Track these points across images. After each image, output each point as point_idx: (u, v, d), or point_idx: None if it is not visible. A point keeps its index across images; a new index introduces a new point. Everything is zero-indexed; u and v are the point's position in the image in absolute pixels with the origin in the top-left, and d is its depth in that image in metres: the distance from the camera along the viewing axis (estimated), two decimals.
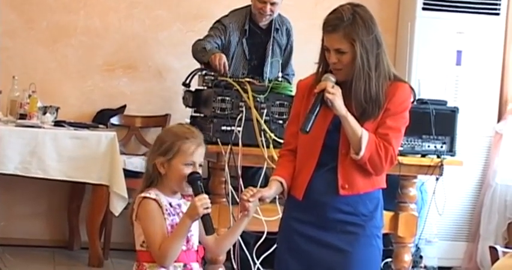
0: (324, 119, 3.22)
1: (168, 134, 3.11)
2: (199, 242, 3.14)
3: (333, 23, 3.18)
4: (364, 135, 3.18)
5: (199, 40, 5.75)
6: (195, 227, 3.08)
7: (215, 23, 5.86)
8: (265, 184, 5.38)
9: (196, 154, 3.05)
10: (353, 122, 3.18)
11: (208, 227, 3.00)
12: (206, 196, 3.00)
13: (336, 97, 3.17)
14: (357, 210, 3.25)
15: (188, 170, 3.03)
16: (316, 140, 3.25)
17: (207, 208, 2.98)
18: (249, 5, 5.83)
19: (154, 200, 3.01)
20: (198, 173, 3.05)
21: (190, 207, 3.01)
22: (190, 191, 3.06)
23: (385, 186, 3.35)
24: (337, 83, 3.22)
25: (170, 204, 3.05)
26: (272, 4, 5.68)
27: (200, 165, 3.09)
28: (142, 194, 3.03)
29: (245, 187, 4.70)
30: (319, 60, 3.31)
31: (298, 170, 3.31)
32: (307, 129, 3.17)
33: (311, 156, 3.27)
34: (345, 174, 3.24)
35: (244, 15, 5.82)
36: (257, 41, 5.81)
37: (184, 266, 3.05)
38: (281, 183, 3.29)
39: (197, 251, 3.10)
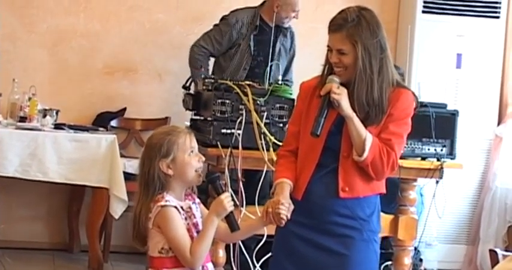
0: (326, 121, 3.22)
1: (158, 137, 3.09)
2: None
3: (336, 23, 3.20)
4: (368, 137, 3.18)
5: (194, 46, 5.82)
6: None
7: (221, 19, 5.91)
8: (270, 190, 5.41)
9: (190, 141, 3.08)
10: (358, 123, 3.19)
11: (233, 224, 3.05)
12: (229, 194, 3.05)
13: (342, 97, 3.18)
14: (354, 213, 3.25)
15: (194, 159, 3.06)
16: (317, 142, 3.24)
17: (231, 206, 3.03)
18: (255, 7, 5.90)
19: (175, 207, 3.02)
20: (215, 173, 3.17)
21: (215, 205, 3.03)
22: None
23: (384, 191, 3.35)
24: (342, 84, 3.22)
25: (182, 208, 3.06)
26: (298, 11, 5.86)
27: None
28: (161, 203, 3.01)
29: (248, 192, 4.73)
30: (324, 62, 3.31)
31: (299, 171, 3.31)
32: (318, 133, 3.18)
33: (311, 157, 3.27)
34: (346, 177, 3.24)
35: (253, 12, 5.90)
36: (265, 38, 5.82)
37: (202, 267, 3.06)
38: (290, 186, 3.28)
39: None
